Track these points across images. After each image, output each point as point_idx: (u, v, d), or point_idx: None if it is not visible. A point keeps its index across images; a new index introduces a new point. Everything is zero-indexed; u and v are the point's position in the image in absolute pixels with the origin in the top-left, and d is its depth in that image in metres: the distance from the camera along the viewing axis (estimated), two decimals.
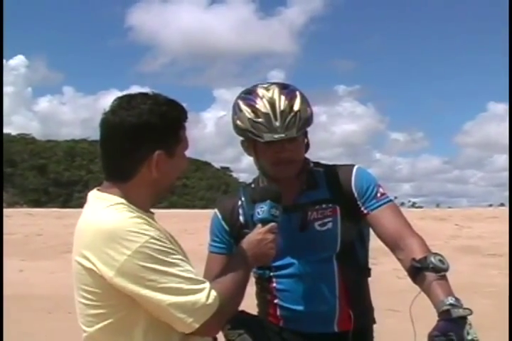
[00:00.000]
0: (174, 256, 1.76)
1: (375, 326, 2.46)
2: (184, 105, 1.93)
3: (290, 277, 2.33)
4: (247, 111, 2.23)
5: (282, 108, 2.20)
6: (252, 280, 2.46)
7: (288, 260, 2.32)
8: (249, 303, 2.45)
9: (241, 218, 2.35)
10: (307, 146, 2.35)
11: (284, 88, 2.27)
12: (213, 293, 1.75)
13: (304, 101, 2.25)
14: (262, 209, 2.05)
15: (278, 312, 2.37)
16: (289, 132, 2.18)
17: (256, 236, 1.99)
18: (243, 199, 2.39)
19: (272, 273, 2.36)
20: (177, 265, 1.75)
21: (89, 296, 1.79)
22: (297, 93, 2.26)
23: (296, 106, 2.21)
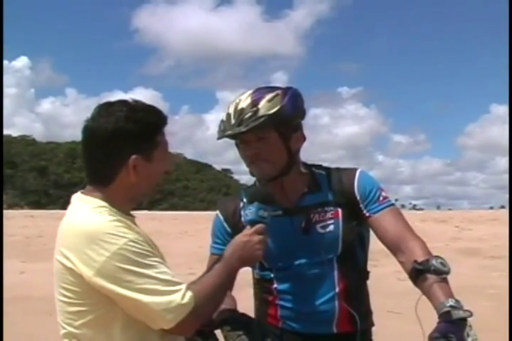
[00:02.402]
0: (151, 259, 1.82)
1: (374, 328, 2.46)
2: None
3: (291, 278, 2.33)
4: (223, 114, 2.29)
5: (243, 106, 2.23)
6: (251, 281, 2.47)
7: (290, 262, 2.33)
8: (251, 305, 2.46)
9: (243, 220, 2.36)
10: (288, 147, 2.29)
11: (263, 89, 2.29)
12: (189, 294, 1.80)
13: (277, 99, 2.23)
14: (250, 211, 2.06)
15: (278, 313, 2.38)
16: (238, 127, 2.21)
17: (242, 238, 2.01)
18: (244, 200, 2.40)
19: (273, 275, 2.37)
20: (154, 267, 1.80)
21: (69, 294, 1.85)
22: (274, 93, 2.25)
23: (260, 105, 2.22)
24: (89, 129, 1.91)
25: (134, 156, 1.87)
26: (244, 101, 2.24)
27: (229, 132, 2.22)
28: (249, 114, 2.20)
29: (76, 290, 1.83)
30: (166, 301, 1.77)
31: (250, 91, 2.28)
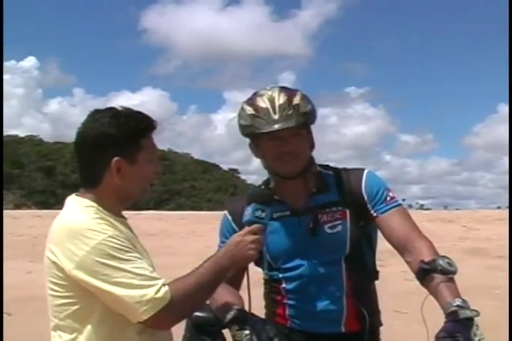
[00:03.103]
0: (129, 254, 1.89)
1: (382, 328, 2.46)
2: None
3: (299, 278, 2.34)
4: (248, 110, 2.29)
5: (281, 102, 2.25)
6: (261, 281, 2.48)
7: (297, 262, 2.33)
8: (260, 304, 2.46)
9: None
10: (312, 145, 2.37)
11: (286, 88, 2.33)
12: (165, 289, 1.86)
13: (305, 99, 2.30)
14: (247, 212, 2.07)
15: (287, 312, 2.39)
16: (286, 122, 2.22)
17: (236, 238, 2.03)
18: None
19: (281, 275, 2.37)
20: (131, 262, 1.87)
21: (55, 288, 1.94)
22: (298, 92, 2.32)
23: (296, 101, 2.26)
24: (78, 135, 2.02)
25: (116, 158, 1.96)
26: (279, 97, 2.26)
27: (278, 126, 2.22)
28: (292, 110, 2.23)
29: (61, 284, 1.91)
30: (139, 294, 1.83)
31: (277, 88, 2.30)
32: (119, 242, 1.88)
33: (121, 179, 1.98)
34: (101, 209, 1.97)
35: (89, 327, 1.90)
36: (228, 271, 2.00)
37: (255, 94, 2.33)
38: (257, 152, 2.36)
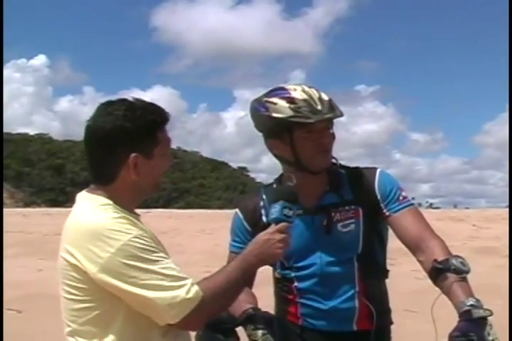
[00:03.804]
0: (156, 254, 1.83)
1: (392, 326, 2.45)
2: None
3: (312, 277, 2.33)
4: (283, 103, 2.24)
5: (318, 95, 2.25)
6: (270, 280, 2.47)
7: (310, 260, 2.33)
8: (269, 303, 2.46)
9: (263, 218, 2.36)
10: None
11: (303, 85, 2.32)
12: (195, 288, 1.81)
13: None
14: (275, 210, 2.04)
15: (298, 311, 2.38)
16: (334, 113, 2.24)
17: (263, 236, 1.99)
18: (265, 198, 2.40)
19: (293, 274, 2.36)
20: (159, 262, 1.81)
21: (73, 291, 1.85)
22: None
23: (326, 96, 2.26)
24: (89, 129, 1.93)
25: (133, 154, 1.89)
26: (312, 91, 2.25)
27: (328, 115, 2.22)
28: (331, 102, 2.25)
29: (80, 287, 1.83)
30: (170, 296, 1.78)
31: (302, 85, 2.30)
32: (144, 242, 1.82)
33: (138, 174, 1.91)
34: (117, 207, 1.90)
35: (111, 332, 1.84)
36: (255, 269, 1.99)
37: (280, 90, 2.28)
38: (285, 148, 2.29)
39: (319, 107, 2.21)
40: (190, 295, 1.79)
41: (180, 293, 1.78)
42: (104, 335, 1.84)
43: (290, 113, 2.22)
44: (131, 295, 1.79)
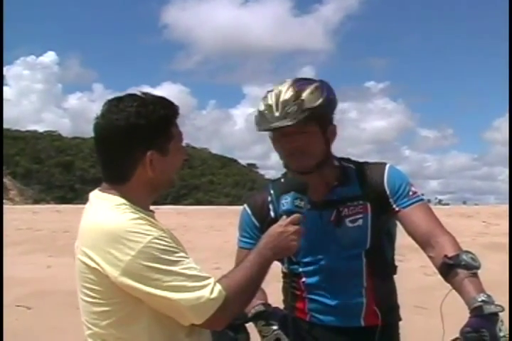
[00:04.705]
0: (177, 255, 1.79)
1: (401, 323, 2.45)
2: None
3: (319, 272, 2.33)
4: (260, 106, 2.25)
5: (286, 98, 2.19)
6: (279, 275, 2.46)
7: (318, 256, 2.32)
8: (278, 299, 2.45)
9: (271, 213, 2.35)
10: (327, 140, 2.30)
11: (301, 80, 2.27)
12: (218, 287, 1.77)
13: (317, 91, 2.22)
14: (286, 201, 2.02)
15: (307, 306, 2.37)
16: (284, 120, 2.17)
17: (277, 228, 1.96)
18: (272, 193, 2.39)
19: (301, 269, 2.36)
20: (180, 263, 1.77)
21: (93, 294, 1.82)
22: (314, 84, 2.24)
23: (303, 96, 2.19)
24: (100, 127, 1.87)
25: (150, 152, 1.84)
26: (286, 92, 2.20)
27: (276, 124, 2.18)
28: (295, 106, 2.17)
29: (101, 290, 1.80)
30: (194, 297, 1.74)
31: (289, 82, 2.24)
32: (165, 243, 1.77)
33: (154, 172, 1.85)
34: (134, 206, 1.84)
35: (135, 334, 1.81)
36: (271, 263, 1.95)
37: (271, 90, 2.28)
38: (274, 147, 2.33)
39: (276, 113, 2.18)
40: (214, 295, 1.76)
41: (205, 294, 1.75)
42: (128, 338, 1.82)
43: (257, 118, 2.25)
44: (154, 298, 1.75)
